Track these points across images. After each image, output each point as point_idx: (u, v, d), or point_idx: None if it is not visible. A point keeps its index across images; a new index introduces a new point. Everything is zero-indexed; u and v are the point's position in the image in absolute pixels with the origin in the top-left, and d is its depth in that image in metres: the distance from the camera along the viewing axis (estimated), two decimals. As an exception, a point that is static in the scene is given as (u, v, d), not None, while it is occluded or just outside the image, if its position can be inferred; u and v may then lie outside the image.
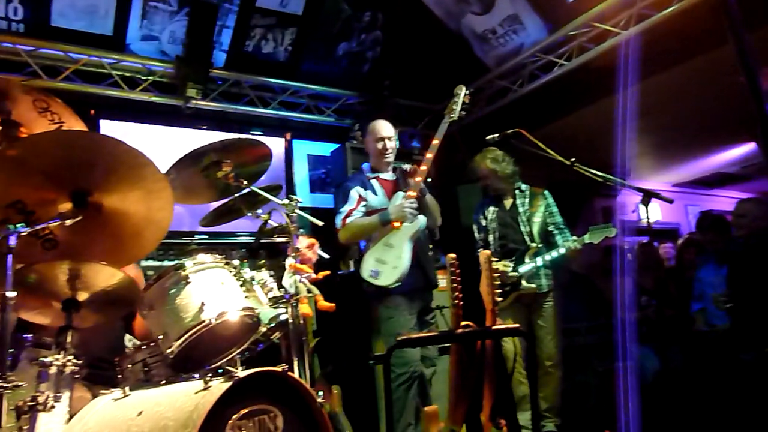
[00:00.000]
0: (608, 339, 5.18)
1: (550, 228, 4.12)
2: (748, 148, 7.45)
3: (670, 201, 2.89)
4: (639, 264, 6.40)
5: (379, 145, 3.80)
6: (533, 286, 3.95)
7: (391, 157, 3.86)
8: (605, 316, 5.55)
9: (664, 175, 8.69)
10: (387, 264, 3.48)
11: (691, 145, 7.25)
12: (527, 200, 4.21)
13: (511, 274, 3.93)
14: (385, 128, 3.84)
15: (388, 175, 3.87)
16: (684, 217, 9.77)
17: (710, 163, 8.43)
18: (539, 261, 3.95)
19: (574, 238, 3.94)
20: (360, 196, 3.73)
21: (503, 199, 4.24)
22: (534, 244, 4.02)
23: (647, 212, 2.76)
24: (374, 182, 3.81)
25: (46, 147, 2.03)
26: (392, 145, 3.84)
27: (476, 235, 4.28)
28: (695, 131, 6.68)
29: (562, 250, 3.91)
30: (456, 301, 2.26)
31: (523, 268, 3.96)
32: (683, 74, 4.91)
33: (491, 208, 4.22)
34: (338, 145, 5.59)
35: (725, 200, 10.41)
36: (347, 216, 3.70)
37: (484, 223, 4.22)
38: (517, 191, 4.23)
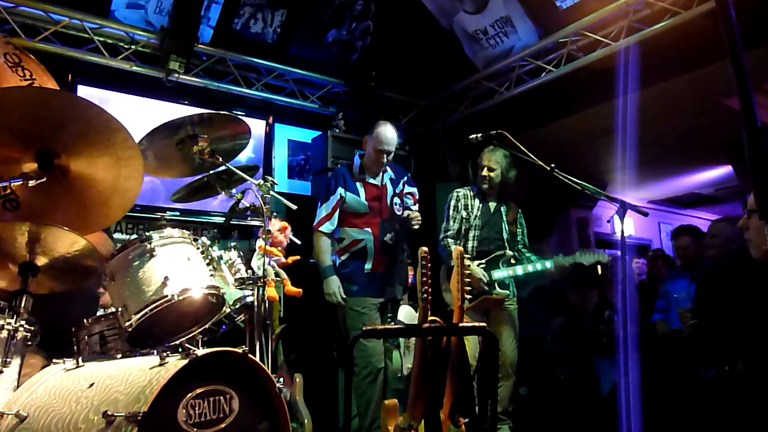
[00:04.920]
0: (573, 348, 5.24)
1: (519, 246, 4.12)
2: (723, 170, 7.56)
3: (645, 214, 2.90)
4: (609, 277, 6.48)
5: (378, 156, 3.83)
6: (506, 292, 3.91)
7: (384, 167, 3.93)
8: (572, 325, 5.63)
9: (639, 191, 8.79)
10: None
11: (668, 164, 7.34)
12: (507, 209, 4.14)
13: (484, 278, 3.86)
14: (390, 141, 3.81)
15: (375, 180, 3.92)
16: (656, 233, 9.92)
17: (685, 182, 8.54)
18: (519, 270, 3.88)
19: (563, 255, 3.83)
20: (341, 196, 3.80)
21: (488, 199, 4.12)
22: (510, 252, 3.97)
23: (622, 224, 2.77)
24: (359, 184, 3.87)
25: (13, 103, 1.95)
26: (389, 157, 3.87)
27: (451, 223, 4.08)
28: (673, 150, 6.76)
29: (549, 264, 3.81)
30: (425, 296, 2.23)
31: (498, 274, 3.89)
32: (666, 92, 4.95)
33: (476, 204, 4.10)
34: (320, 133, 5.54)
35: (697, 221, 10.59)
36: (321, 223, 3.80)
37: (465, 214, 4.06)
38: (504, 200, 4.16)
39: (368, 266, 3.79)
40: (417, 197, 4.03)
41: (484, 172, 4.05)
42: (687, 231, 4.67)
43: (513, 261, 3.95)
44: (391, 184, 3.97)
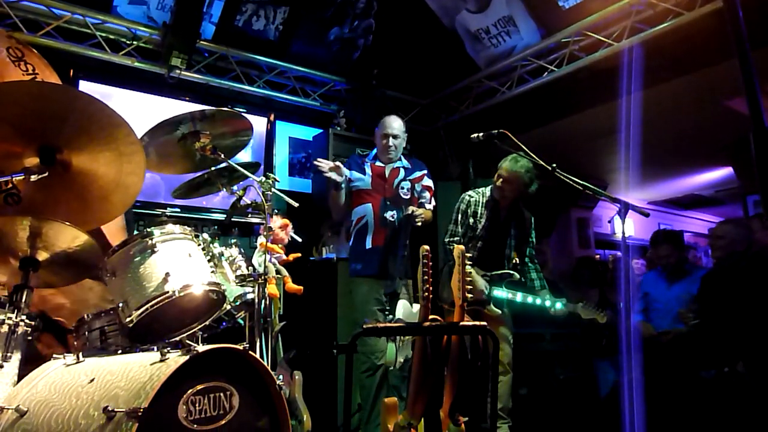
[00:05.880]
0: (572, 348, 5.22)
1: (526, 258, 4.04)
2: (724, 172, 7.56)
3: (647, 214, 2.89)
4: (609, 277, 6.48)
5: (383, 141, 4.03)
6: (498, 311, 3.79)
7: (393, 154, 4.04)
8: (571, 325, 5.61)
9: (640, 192, 8.79)
10: None
11: (668, 165, 7.33)
12: (518, 223, 3.99)
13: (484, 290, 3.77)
14: (392, 124, 4.03)
15: (386, 166, 4.04)
16: (656, 235, 9.90)
17: (686, 184, 8.54)
18: (519, 297, 3.80)
19: (565, 301, 3.77)
20: (345, 176, 3.94)
21: (500, 209, 3.96)
22: (517, 276, 3.84)
23: (623, 225, 2.76)
24: (367, 166, 4.03)
25: (16, 97, 1.95)
26: (396, 142, 4.02)
27: (459, 228, 3.93)
28: (674, 151, 6.76)
29: (548, 304, 3.77)
30: (426, 294, 2.23)
31: (498, 293, 3.78)
32: (668, 93, 4.94)
33: (486, 214, 3.92)
34: (321, 131, 5.53)
35: (697, 222, 10.59)
36: None
37: (472, 222, 3.91)
38: (516, 212, 4.01)
39: (369, 242, 3.85)
40: (434, 191, 4.09)
41: (500, 183, 3.87)
42: (667, 238, 4.61)
43: (515, 285, 3.85)
44: (404, 171, 4.05)
